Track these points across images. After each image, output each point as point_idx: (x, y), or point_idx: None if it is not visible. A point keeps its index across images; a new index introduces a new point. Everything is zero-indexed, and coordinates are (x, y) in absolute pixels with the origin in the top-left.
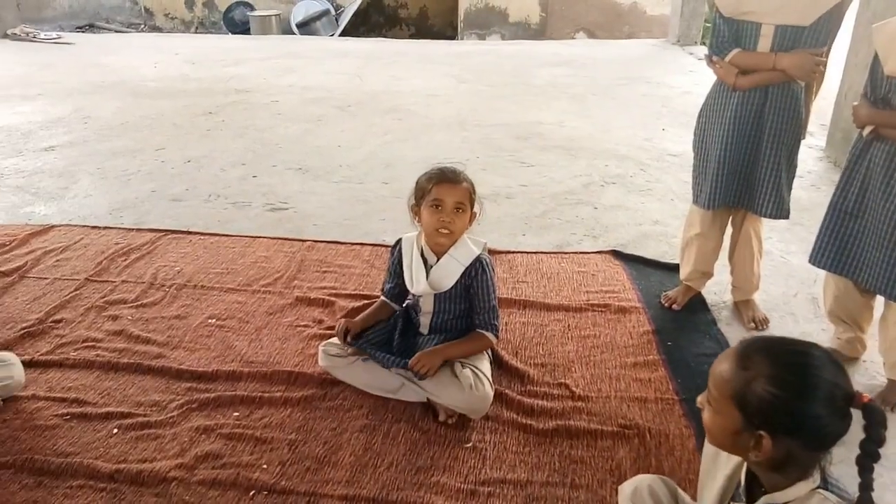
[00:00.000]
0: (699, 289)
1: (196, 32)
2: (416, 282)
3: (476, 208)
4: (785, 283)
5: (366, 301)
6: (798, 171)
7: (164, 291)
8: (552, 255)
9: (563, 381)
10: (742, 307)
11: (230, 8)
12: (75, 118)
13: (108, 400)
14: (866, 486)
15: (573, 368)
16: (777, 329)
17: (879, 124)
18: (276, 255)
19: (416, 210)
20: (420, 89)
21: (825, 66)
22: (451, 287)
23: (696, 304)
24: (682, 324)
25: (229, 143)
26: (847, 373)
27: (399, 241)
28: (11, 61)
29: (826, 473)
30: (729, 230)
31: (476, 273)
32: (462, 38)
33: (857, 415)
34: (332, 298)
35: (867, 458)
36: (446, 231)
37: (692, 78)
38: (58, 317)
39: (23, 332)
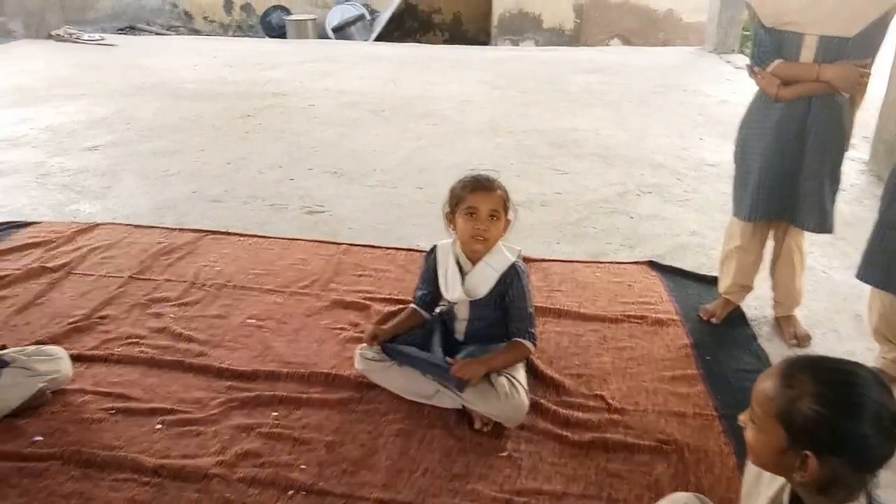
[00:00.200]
0: (738, 303)
1: (233, 36)
2: (452, 289)
3: (510, 215)
4: (827, 299)
5: (401, 305)
6: (840, 185)
7: (206, 291)
8: (587, 264)
9: (599, 392)
10: (783, 323)
11: (267, 12)
12: (118, 118)
13: (152, 396)
14: None
15: (609, 380)
16: (819, 346)
17: None
18: (312, 258)
19: (450, 218)
20: (454, 95)
21: (869, 77)
22: (487, 294)
23: (736, 318)
24: (721, 338)
25: (267, 146)
26: (893, 394)
27: (434, 249)
28: (56, 62)
29: (873, 497)
30: (770, 243)
31: (511, 280)
32: (495, 44)
33: None
34: (368, 302)
35: None
36: (481, 238)
37: (729, 87)
38: (103, 313)
39: (70, 326)
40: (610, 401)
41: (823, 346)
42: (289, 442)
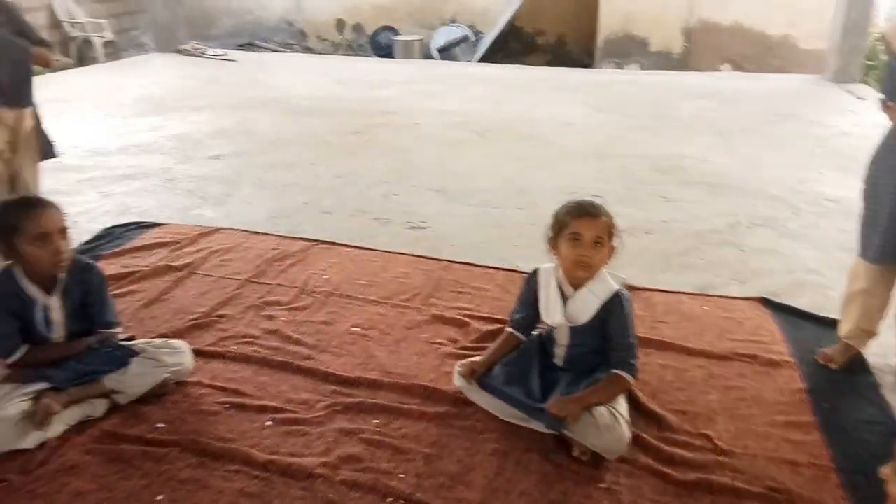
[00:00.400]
0: (860, 348)
1: (343, 54)
2: (552, 314)
3: (616, 243)
4: None
5: (499, 325)
6: None
7: (314, 297)
8: (694, 296)
9: (704, 431)
10: None
11: (376, 32)
12: (238, 130)
13: (263, 394)
14: None
15: (716, 420)
16: None
17: None
18: (414, 273)
19: (553, 243)
20: (556, 117)
21: None
22: (588, 321)
23: (857, 365)
24: (840, 385)
25: (374, 162)
26: None
27: (536, 272)
28: (183, 75)
29: None
30: None
31: (614, 308)
32: (599, 67)
33: None
34: (467, 319)
35: None
36: (585, 265)
37: (851, 118)
38: (221, 312)
39: (191, 323)
40: (717, 441)
41: None
42: (388, 450)
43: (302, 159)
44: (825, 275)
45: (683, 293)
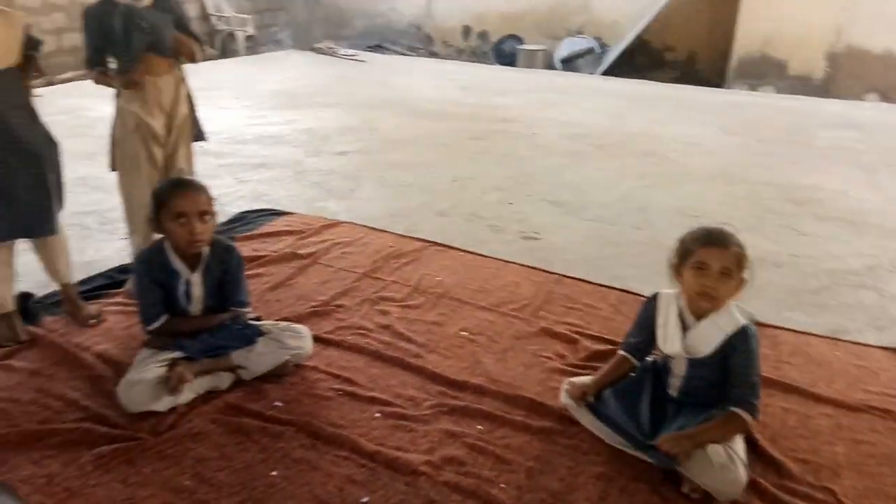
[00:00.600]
0: None
1: (467, 60)
2: (671, 343)
3: (746, 275)
4: None
5: (609, 346)
6: None
7: (426, 297)
8: (825, 339)
9: (828, 486)
10: None
11: (501, 40)
12: (363, 128)
13: (374, 386)
14: None
15: (841, 474)
16: None
17: None
18: (525, 283)
19: (677, 269)
20: (681, 136)
21: None
22: (709, 354)
23: None
24: None
25: (491, 169)
26: None
27: (656, 296)
28: (316, 73)
29: None
30: None
31: (739, 343)
32: (730, 87)
33: None
34: (576, 336)
35: None
36: (709, 296)
37: None
38: (339, 302)
39: (311, 310)
40: (842, 498)
41: None
42: (491, 457)
43: (421, 160)
44: None
45: (813, 335)
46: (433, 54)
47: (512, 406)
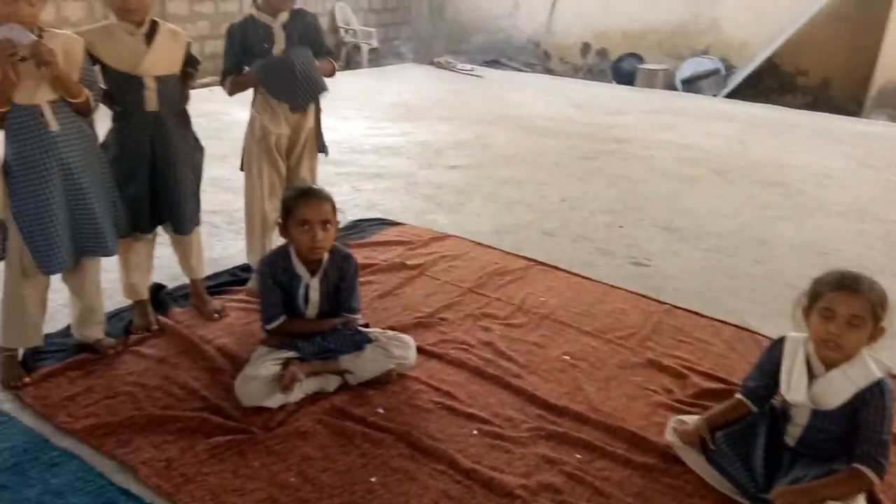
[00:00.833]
0: None
1: (583, 78)
2: (794, 390)
3: (886, 324)
4: None
5: (721, 384)
6: None
7: (529, 317)
8: None
9: None
10: None
11: (620, 58)
12: (476, 143)
13: (473, 402)
14: None
15: None
16: None
17: None
18: (632, 310)
19: (807, 312)
20: (811, 166)
21: None
22: (837, 407)
23: None
24: None
25: (602, 190)
26: None
27: (783, 340)
28: (435, 86)
29: None
30: None
31: (871, 398)
32: (868, 117)
33: None
34: (685, 371)
35: None
36: (832, 345)
37: None
38: (443, 315)
39: (416, 321)
40: None
41: None
42: (589, 488)
43: (531, 178)
44: None
45: None
46: (549, 71)
47: (613, 437)
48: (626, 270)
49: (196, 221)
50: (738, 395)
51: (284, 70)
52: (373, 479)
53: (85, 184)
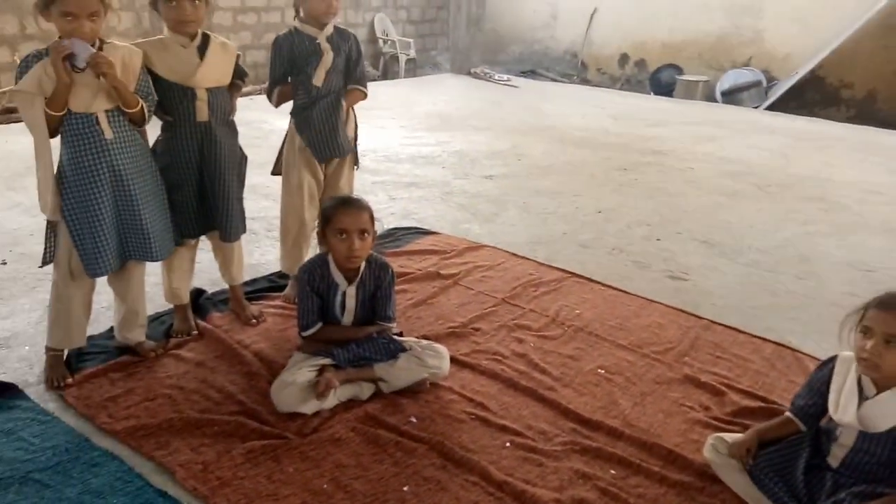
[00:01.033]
0: None
1: (620, 89)
2: (843, 410)
3: None
4: None
5: (760, 403)
6: None
7: (563, 329)
8: None
9: None
10: None
11: (659, 69)
12: (511, 154)
13: (505, 414)
14: None
15: None
16: None
17: None
18: (669, 325)
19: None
20: (856, 181)
21: None
22: (886, 430)
23: None
24: None
25: (639, 202)
26: None
27: (834, 359)
28: (471, 96)
29: None
30: None
31: None
32: None
33: None
34: (724, 388)
35: None
36: (869, 364)
37: None
38: (476, 325)
39: (449, 330)
40: None
41: None
42: None
43: (567, 189)
44: None
45: None
46: (585, 82)
47: (648, 454)
48: (662, 284)
49: (242, 229)
50: (788, 413)
51: (323, 133)
52: (405, 489)
53: (135, 190)
